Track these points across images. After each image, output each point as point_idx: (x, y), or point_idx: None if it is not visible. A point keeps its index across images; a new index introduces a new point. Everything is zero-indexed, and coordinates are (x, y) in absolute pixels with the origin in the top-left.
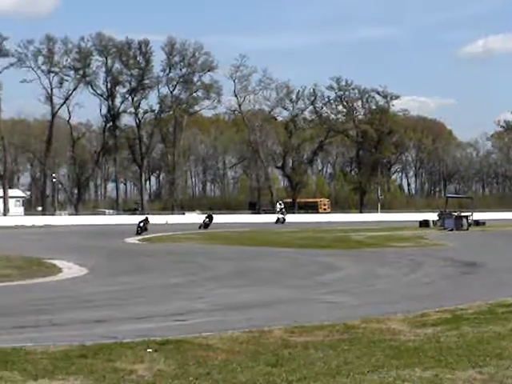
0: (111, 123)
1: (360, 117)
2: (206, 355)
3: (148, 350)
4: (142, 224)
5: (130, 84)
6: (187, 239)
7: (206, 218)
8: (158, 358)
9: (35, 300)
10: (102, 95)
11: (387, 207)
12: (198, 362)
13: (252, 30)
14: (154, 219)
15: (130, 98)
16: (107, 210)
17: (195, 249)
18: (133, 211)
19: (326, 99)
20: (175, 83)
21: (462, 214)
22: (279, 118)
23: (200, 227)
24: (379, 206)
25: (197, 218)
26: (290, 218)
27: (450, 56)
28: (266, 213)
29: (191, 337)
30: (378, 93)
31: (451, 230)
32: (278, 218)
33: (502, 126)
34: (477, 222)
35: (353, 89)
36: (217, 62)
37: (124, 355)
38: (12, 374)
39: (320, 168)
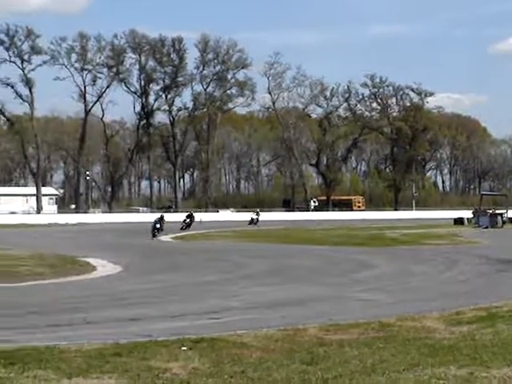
0: (145, 121)
1: (394, 114)
2: (240, 353)
3: (182, 348)
4: (157, 225)
5: (164, 81)
6: (221, 237)
7: (187, 217)
8: (192, 356)
9: (69, 298)
10: (135, 93)
11: (422, 205)
12: (233, 360)
13: (286, 27)
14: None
15: (163, 96)
16: (141, 208)
17: (229, 247)
18: (167, 209)
19: (360, 96)
20: (209, 80)
21: (497, 211)
22: (313, 116)
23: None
24: (414, 203)
25: (231, 215)
26: (325, 215)
27: (483, 53)
28: (300, 210)
29: (226, 335)
30: (413, 90)
31: (486, 227)
32: (252, 219)
33: None
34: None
35: (387, 86)
36: (251, 59)
37: (158, 353)
38: (46, 372)
39: (354, 165)
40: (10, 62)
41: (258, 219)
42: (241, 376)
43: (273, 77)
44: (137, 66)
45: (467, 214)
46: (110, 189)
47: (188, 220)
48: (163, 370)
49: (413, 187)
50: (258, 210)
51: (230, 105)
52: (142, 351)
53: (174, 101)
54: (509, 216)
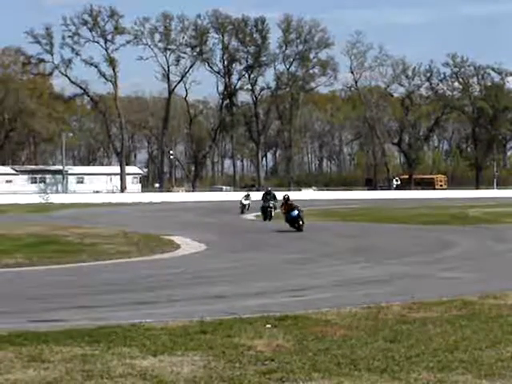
0: (228, 100)
1: (475, 93)
2: (324, 331)
3: (267, 326)
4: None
5: (247, 61)
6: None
7: (245, 197)
8: (276, 333)
9: (154, 276)
10: (218, 72)
11: (503, 183)
12: (317, 338)
13: (368, 6)
14: None
15: (246, 75)
16: (224, 187)
17: (312, 226)
18: (249, 188)
19: (442, 76)
20: (291, 60)
21: None
22: (395, 95)
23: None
24: (495, 182)
25: (313, 194)
26: (407, 194)
27: None
28: (382, 189)
29: (310, 312)
30: (493, 69)
31: None
32: (243, 205)
33: None
34: None
35: (468, 65)
36: (333, 39)
37: (243, 331)
38: (131, 349)
39: (436, 144)
40: (94, 42)
41: (249, 205)
42: (325, 353)
43: (355, 56)
44: (220, 46)
45: None
46: (193, 168)
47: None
48: (247, 348)
49: (494, 166)
50: (248, 193)
51: (313, 84)
52: (227, 329)
53: (256, 80)
54: None
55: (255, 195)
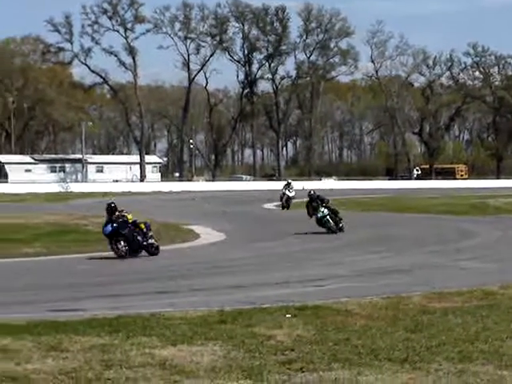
0: (248, 89)
1: (496, 83)
2: (344, 321)
3: (287, 316)
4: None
5: (267, 50)
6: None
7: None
8: (296, 323)
9: (174, 265)
10: (238, 61)
11: None
12: (337, 328)
13: None
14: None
15: (266, 64)
16: (244, 176)
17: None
18: (269, 177)
19: (463, 65)
20: (312, 49)
21: None
22: (416, 84)
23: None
24: None
25: (334, 184)
26: (428, 184)
27: None
28: (402, 179)
29: (330, 302)
30: None
31: None
32: (288, 197)
33: None
34: None
35: (489, 55)
36: (353, 28)
37: (263, 321)
38: (150, 339)
39: (457, 134)
40: (114, 30)
41: (293, 197)
42: (345, 343)
43: (375, 45)
44: (240, 35)
45: None
46: (213, 157)
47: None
48: (267, 337)
49: None
50: (289, 181)
51: (333, 73)
52: (247, 318)
53: (277, 69)
54: None
55: (275, 185)
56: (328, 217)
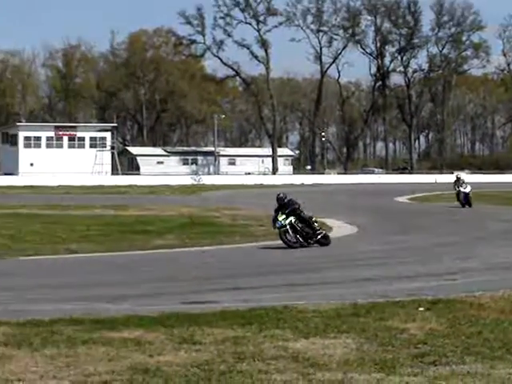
0: (380, 82)
1: None
2: (477, 314)
3: (419, 309)
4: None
5: (399, 43)
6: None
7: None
8: (429, 316)
9: (305, 258)
10: (371, 54)
11: None
12: (470, 321)
13: None
14: (423, 178)
15: (399, 58)
16: (376, 169)
17: (464, 209)
18: (402, 170)
19: None
20: (444, 42)
21: None
22: None
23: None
24: None
25: (465, 176)
26: None
27: None
28: None
29: (463, 296)
30: None
31: None
32: (466, 194)
33: None
34: None
35: None
36: (485, 22)
37: (396, 314)
38: (283, 332)
39: None
40: (246, 23)
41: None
42: (477, 337)
43: (507, 39)
44: (372, 28)
45: None
46: (345, 150)
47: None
48: (400, 331)
49: None
50: (458, 174)
51: (465, 67)
52: (380, 311)
53: (409, 62)
54: None
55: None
56: (289, 227)
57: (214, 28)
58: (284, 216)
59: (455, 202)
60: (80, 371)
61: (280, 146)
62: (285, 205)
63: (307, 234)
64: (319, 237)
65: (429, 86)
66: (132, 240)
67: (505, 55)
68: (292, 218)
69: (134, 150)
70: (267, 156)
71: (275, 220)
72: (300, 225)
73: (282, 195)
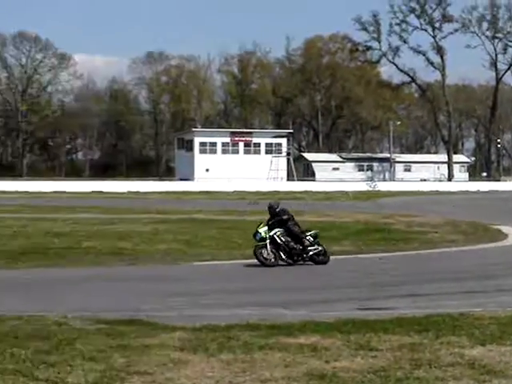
0: None
1: None
2: None
3: None
4: None
5: None
6: None
7: None
8: None
9: (482, 265)
10: None
11: None
12: None
13: None
14: None
15: None
16: None
17: None
18: None
19: None
20: None
21: None
22: None
23: None
24: None
25: None
26: None
27: None
28: None
29: None
30: None
31: None
32: None
33: None
34: None
35: None
36: None
37: None
38: (459, 339)
39: None
40: (422, 29)
41: None
42: None
43: None
44: None
45: None
46: None
47: None
48: None
49: None
50: None
51: None
52: None
53: None
54: None
55: None
56: (269, 242)
57: (390, 34)
58: (266, 228)
59: None
60: (256, 377)
61: (456, 153)
62: (277, 214)
63: (292, 249)
64: (311, 253)
65: None
66: None
67: None
68: (277, 230)
69: (309, 156)
70: (443, 162)
71: (256, 232)
72: (284, 239)
73: (273, 204)
